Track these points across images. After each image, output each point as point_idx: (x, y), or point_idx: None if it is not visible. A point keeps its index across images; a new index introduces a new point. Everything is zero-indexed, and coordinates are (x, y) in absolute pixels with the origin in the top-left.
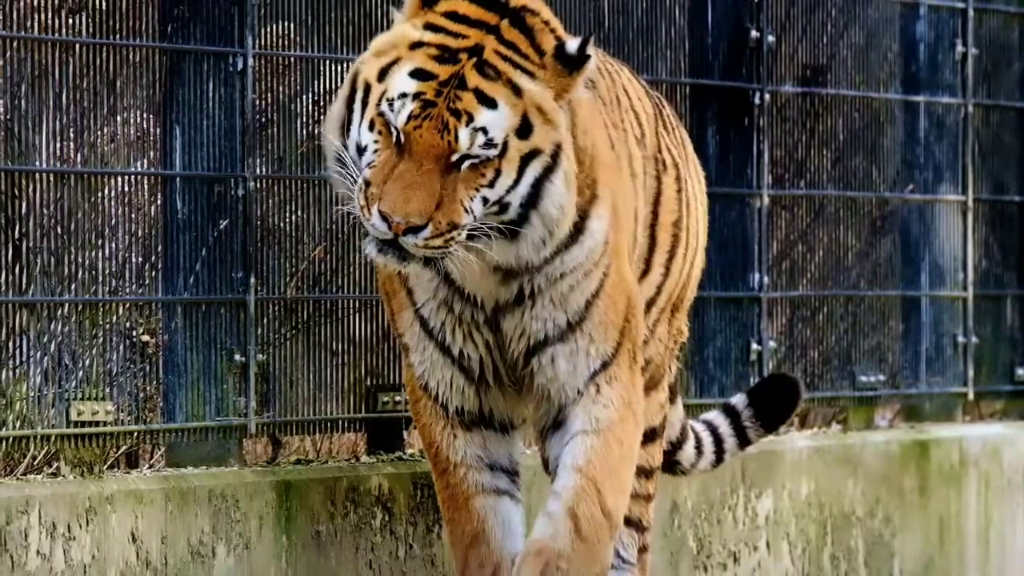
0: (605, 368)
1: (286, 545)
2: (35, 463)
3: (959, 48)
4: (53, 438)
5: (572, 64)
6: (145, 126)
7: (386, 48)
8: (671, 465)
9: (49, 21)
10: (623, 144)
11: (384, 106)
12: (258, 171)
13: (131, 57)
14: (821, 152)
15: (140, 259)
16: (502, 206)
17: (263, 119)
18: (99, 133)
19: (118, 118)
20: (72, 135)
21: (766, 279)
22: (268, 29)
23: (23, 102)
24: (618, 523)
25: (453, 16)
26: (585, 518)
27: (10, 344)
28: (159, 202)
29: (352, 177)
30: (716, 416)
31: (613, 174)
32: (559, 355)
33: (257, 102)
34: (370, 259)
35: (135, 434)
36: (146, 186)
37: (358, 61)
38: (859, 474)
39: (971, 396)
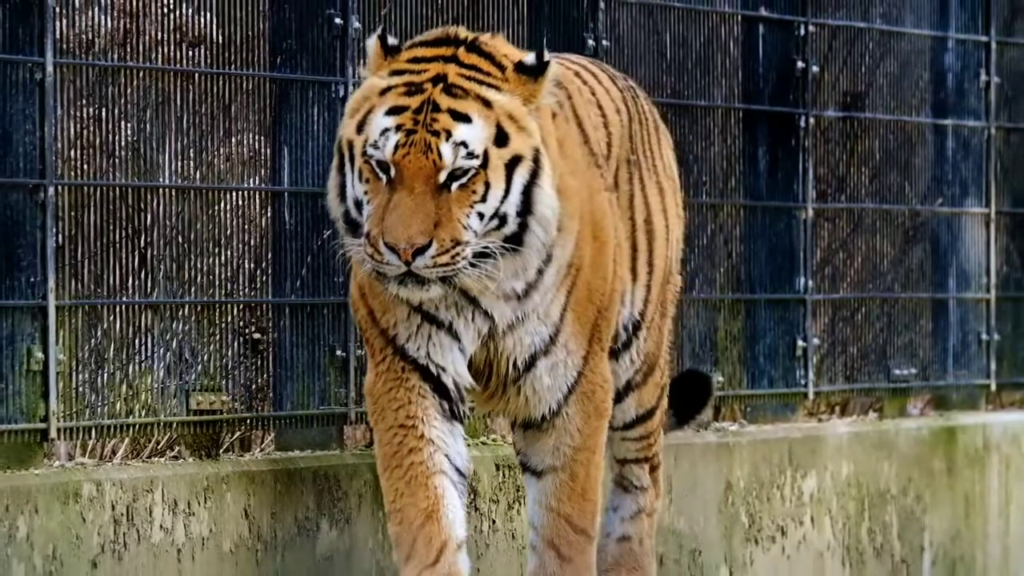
0: (578, 380)
1: (383, 520)
2: (159, 447)
3: (983, 77)
4: (175, 425)
5: (534, 72)
6: (257, 147)
7: (359, 104)
8: None
9: (171, 53)
10: (605, 154)
11: (370, 151)
12: None
13: (244, 85)
14: (860, 170)
15: (252, 265)
16: (500, 219)
17: None
18: (216, 153)
19: (232, 140)
20: (192, 155)
21: (810, 283)
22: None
23: (148, 125)
24: (593, 532)
25: (414, 60)
26: (564, 543)
27: (136, 341)
28: (269, 215)
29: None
30: None
31: (579, 201)
32: (543, 370)
33: None
34: (394, 295)
35: (247, 421)
36: (257, 200)
37: (339, 128)
38: (893, 457)
39: (993, 387)
